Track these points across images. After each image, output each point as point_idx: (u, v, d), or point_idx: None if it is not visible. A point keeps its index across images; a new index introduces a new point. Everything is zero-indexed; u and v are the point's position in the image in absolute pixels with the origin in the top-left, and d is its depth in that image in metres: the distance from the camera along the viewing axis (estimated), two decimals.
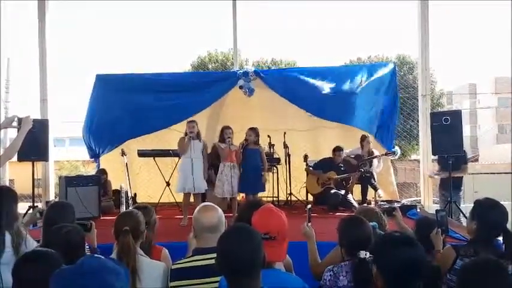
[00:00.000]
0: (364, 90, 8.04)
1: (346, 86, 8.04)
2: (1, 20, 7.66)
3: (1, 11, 7.67)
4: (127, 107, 8.08)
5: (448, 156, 6.72)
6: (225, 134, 6.57)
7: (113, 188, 7.89)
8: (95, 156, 8.38)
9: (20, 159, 6.30)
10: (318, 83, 7.97)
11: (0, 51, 7.51)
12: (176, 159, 7.58)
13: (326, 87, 7.99)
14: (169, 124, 8.01)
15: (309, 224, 3.27)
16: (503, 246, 2.87)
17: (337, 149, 7.54)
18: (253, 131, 6.72)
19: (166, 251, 3.32)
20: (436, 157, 7.60)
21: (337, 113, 8.05)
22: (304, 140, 8.62)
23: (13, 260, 2.96)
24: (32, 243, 3.23)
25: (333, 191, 7.35)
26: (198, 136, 6.48)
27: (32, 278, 1.98)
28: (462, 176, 7.36)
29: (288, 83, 8.00)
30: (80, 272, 1.44)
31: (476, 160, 25.09)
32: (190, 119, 6.83)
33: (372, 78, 8.12)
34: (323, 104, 7.99)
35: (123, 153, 7.49)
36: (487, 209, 2.94)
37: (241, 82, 7.93)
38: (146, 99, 8.06)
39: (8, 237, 3.05)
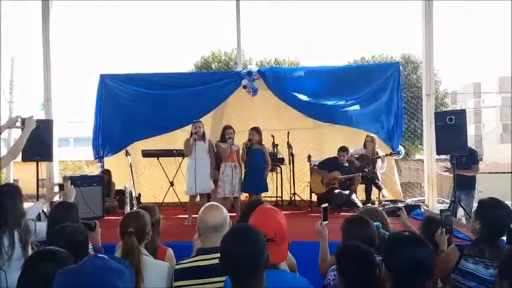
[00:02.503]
0: (369, 91, 8.05)
1: (351, 87, 8.07)
2: (2, 21, 7.68)
3: (1, 12, 7.69)
4: (132, 108, 8.12)
5: (457, 155, 6.69)
6: (226, 134, 6.58)
7: (117, 188, 7.90)
8: (99, 156, 8.40)
9: (24, 160, 6.31)
10: (321, 85, 8.00)
11: (1, 52, 7.55)
12: (180, 159, 7.60)
13: (330, 89, 8.02)
14: (176, 127, 8.03)
15: (324, 222, 3.27)
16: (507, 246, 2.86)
17: (342, 149, 7.52)
18: (256, 130, 6.73)
19: (171, 251, 3.32)
20: (447, 156, 7.53)
21: (341, 116, 8.11)
22: (308, 140, 8.61)
23: (21, 256, 2.99)
24: (41, 227, 3.27)
25: (337, 191, 7.33)
26: (203, 137, 6.47)
27: (42, 275, 1.99)
28: (475, 176, 7.32)
29: (291, 86, 8.03)
30: (84, 271, 1.44)
31: (481, 160, 25.02)
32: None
33: (377, 78, 8.13)
34: (327, 108, 8.06)
35: (127, 154, 7.50)
36: (490, 209, 2.94)
37: (245, 82, 7.96)
38: (151, 100, 8.09)
39: (16, 235, 3.07)
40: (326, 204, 3.41)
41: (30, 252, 3.12)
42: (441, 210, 3.43)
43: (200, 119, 6.78)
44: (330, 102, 8.07)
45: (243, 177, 6.72)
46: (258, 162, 6.68)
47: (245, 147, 6.63)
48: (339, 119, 8.16)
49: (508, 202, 3.08)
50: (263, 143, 6.89)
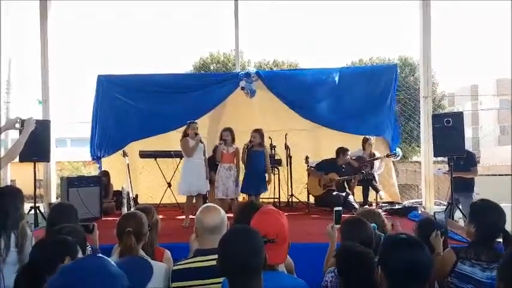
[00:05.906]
0: (367, 93, 8.06)
1: (350, 89, 8.07)
2: (2, 21, 7.65)
3: (1, 12, 7.66)
4: (130, 109, 8.10)
5: (454, 158, 6.69)
6: (221, 136, 6.61)
7: (115, 189, 7.88)
8: (97, 157, 8.38)
9: (21, 160, 6.28)
10: (320, 88, 8.01)
11: (0, 52, 7.52)
12: (177, 160, 7.59)
13: (329, 92, 8.03)
14: (174, 128, 7.98)
15: (336, 225, 3.28)
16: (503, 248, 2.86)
17: (342, 151, 7.51)
18: (258, 132, 6.75)
19: (169, 252, 3.33)
20: (445, 158, 7.53)
21: (339, 120, 8.09)
22: (306, 141, 8.62)
23: (17, 261, 2.98)
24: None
25: (334, 193, 7.33)
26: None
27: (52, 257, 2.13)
28: (473, 178, 7.33)
29: (289, 88, 8.02)
30: (82, 271, 1.44)
31: (478, 162, 25.00)
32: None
33: (375, 80, 8.14)
34: (325, 111, 8.03)
35: (124, 154, 7.49)
36: (484, 211, 2.93)
37: (243, 83, 7.94)
38: (149, 101, 8.08)
39: (12, 238, 3.06)
40: (340, 208, 3.40)
41: (27, 257, 3.11)
42: (435, 213, 3.42)
43: (196, 120, 6.76)
44: (327, 105, 8.07)
45: (242, 178, 6.73)
46: (259, 163, 6.71)
47: (246, 149, 6.66)
48: (336, 124, 8.13)
49: (505, 204, 3.08)
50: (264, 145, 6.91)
